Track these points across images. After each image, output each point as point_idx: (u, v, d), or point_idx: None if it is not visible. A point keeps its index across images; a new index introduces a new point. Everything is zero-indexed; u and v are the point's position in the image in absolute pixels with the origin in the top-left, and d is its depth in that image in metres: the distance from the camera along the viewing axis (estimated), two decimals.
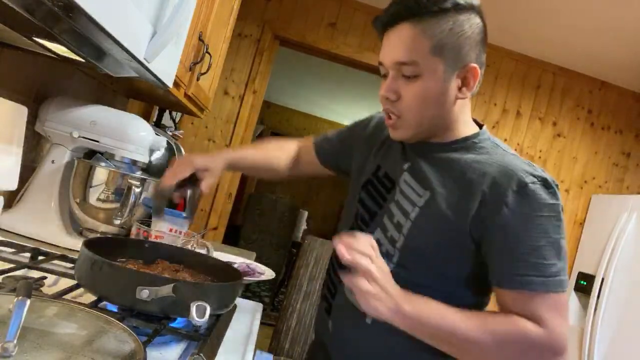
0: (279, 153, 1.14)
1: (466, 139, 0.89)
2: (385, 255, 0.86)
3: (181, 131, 2.10)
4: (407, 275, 0.84)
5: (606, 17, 2.49)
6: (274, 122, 6.85)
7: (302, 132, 6.88)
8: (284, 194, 6.10)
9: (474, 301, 0.87)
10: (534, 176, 0.80)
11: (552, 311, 0.76)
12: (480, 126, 0.93)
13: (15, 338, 0.45)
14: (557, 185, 0.82)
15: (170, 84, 1.09)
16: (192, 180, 0.99)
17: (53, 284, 0.88)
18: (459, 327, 0.76)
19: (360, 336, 0.90)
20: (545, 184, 0.80)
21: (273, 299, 4.77)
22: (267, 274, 1.34)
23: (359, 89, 4.74)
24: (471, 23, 0.82)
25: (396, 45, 0.83)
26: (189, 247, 1.19)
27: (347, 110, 5.83)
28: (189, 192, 1.01)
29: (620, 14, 2.43)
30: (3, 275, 0.80)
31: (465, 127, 0.90)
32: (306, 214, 5.59)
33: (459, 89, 0.85)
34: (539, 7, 2.57)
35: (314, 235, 2.01)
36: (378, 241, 0.87)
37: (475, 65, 0.83)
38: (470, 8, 0.83)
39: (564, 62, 3.18)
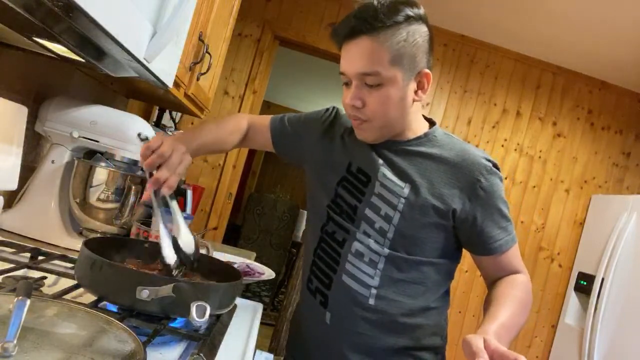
0: (232, 133, 1.14)
1: (426, 134, 1.01)
2: (376, 242, 0.97)
3: (181, 131, 2.09)
4: (399, 256, 0.97)
5: (606, 17, 2.49)
6: None
7: None
8: (284, 194, 6.10)
9: (451, 267, 1.03)
10: (489, 160, 0.97)
11: (518, 258, 1.00)
12: (430, 120, 1.06)
13: (15, 338, 0.45)
14: (497, 163, 1.00)
15: (170, 84, 1.09)
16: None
17: (53, 284, 0.88)
18: (512, 321, 0.86)
19: (364, 319, 0.97)
20: (495, 165, 0.98)
21: (273, 299, 4.76)
22: (267, 274, 1.34)
23: None
24: (421, 32, 0.91)
25: (358, 57, 0.91)
26: None
27: None
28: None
29: (620, 14, 2.43)
30: (3, 275, 0.80)
31: (420, 124, 1.02)
32: (306, 214, 5.58)
33: (416, 92, 0.95)
34: (539, 7, 2.57)
35: None
36: (365, 233, 0.98)
37: (427, 70, 0.94)
38: (419, 18, 0.91)
39: (564, 62, 3.18)
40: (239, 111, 3.06)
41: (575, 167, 3.27)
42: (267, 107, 6.56)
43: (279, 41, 3.17)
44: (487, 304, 0.92)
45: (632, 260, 2.64)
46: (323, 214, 1.05)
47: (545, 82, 3.25)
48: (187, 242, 0.88)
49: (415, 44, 0.90)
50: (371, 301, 0.97)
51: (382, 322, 0.98)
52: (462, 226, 0.97)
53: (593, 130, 3.28)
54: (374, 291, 0.97)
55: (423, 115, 1.05)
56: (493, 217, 0.96)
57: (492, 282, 1.00)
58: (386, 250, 0.96)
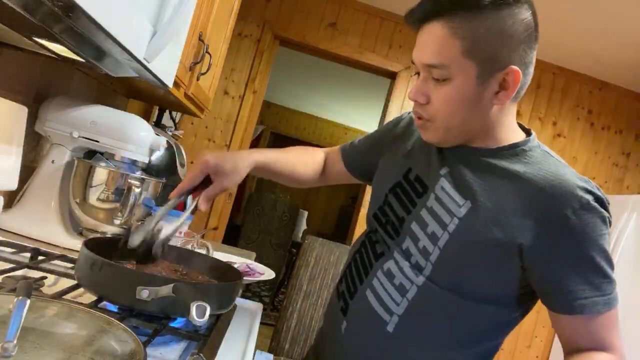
0: (307, 163, 1.07)
1: (514, 145, 0.82)
2: (415, 267, 0.81)
3: (181, 131, 2.10)
4: (436, 289, 0.80)
5: (606, 18, 2.49)
6: (274, 122, 6.86)
7: (302, 132, 6.88)
8: (284, 194, 6.10)
9: (505, 318, 0.84)
10: (590, 193, 0.75)
11: (614, 329, 0.78)
12: (528, 132, 0.87)
13: (15, 338, 0.45)
14: (606, 199, 0.77)
15: (170, 84, 1.09)
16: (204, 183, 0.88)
17: (53, 284, 0.88)
18: None
19: (379, 344, 0.84)
20: (599, 199, 0.75)
21: (273, 299, 4.76)
22: (267, 274, 1.34)
23: (359, 89, 4.74)
24: (515, 20, 0.74)
25: (426, 45, 0.77)
26: (189, 247, 1.19)
27: (347, 110, 5.83)
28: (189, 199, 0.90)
29: (620, 14, 2.43)
30: (3, 275, 0.80)
31: (510, 132, 0.84)
32: (306, 214, 5.59)
33: (496, 93, 0.77)
34: (539, 7, 2.57)
35: (314, 235, 2.01)
36: (407, 250, 0.83)
37: (516, 67, 0.75)
38: (516, 2, 0.74)
39: (564, 62, 3.18)
40: (238, 111, 3.06)
41: (575, 167, 3.24)
42: (267, 107, 6.56)
43: (279, 41, 3.17)
44: None
45: (632, 260, 2.64)
46: (372, 222, 0.93)
47: (545, 82, 3.25)
48: (160, 242, 0.86)
49: (501, 34, 0.73)
50: (390, 328, 0.82)
51: (398, 357, 0.82)
52: (533, 269, 0.76)
53: (593, 130, 3.28)
54: (395, 318, 0.82)
55: (519, 124, 0.87)
56: (579, 268, 0.74)
57: (569, 351, 0.81)
58: (421, 279, 0.80)
